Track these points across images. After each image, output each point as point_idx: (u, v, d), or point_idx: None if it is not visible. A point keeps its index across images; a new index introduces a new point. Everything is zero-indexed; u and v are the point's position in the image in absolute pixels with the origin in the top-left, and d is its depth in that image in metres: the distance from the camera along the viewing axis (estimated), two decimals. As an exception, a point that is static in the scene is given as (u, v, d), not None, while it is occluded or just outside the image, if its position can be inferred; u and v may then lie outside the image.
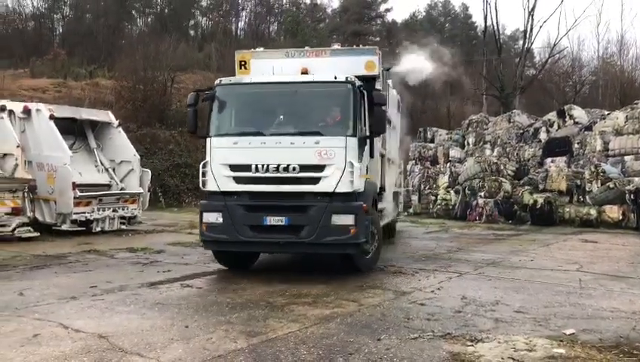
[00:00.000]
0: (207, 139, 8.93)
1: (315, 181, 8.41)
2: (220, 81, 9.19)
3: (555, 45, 40.34)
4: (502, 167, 21.05)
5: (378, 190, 10.34)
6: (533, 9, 37.09)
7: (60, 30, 45.74)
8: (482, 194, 20.30)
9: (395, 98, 13.66)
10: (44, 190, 14.00)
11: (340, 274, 9.18)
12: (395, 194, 14.24)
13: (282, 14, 55.53)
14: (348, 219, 8.34)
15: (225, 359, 5.10)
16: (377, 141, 10.02)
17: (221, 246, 9.05)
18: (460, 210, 20.71)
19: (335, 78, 8.69)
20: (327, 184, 8.37)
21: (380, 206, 10.49)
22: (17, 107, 14.81)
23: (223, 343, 5.53)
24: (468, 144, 24.31)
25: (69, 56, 37.85)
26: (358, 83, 8.75)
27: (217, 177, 8.69)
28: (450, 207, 21.23)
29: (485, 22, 38.99)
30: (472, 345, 5.54)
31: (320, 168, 8.40)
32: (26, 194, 13.24)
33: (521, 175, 20.82)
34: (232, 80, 9.29)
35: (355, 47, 10.86)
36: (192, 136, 11.50)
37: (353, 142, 8.48)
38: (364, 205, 8.53)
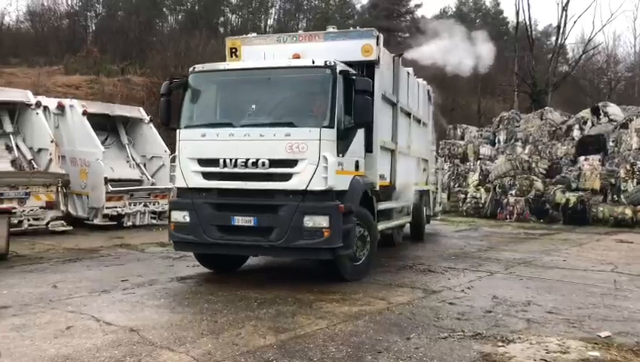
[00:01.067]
0: (177, 131, 8.33)
1: (286, 178, 7.58)
2: (194, 68, 8.51)
3: (589, 41, 39.65)
4: (533, 165, 20.70)
5: (378, 187, 9.21)
6: (567, 4, 36.46)
7: (93, 28, 46.52)
8: (513, 192, 20.00)
9: (423, 88, 12.93)
10: (77, 185, 14.27)
11: (368, 272, 9.13)
12: (423, 194, 13.26)
13: (311, 11, 55.53)
14: (321, 221, 7.44)
15: (254, 355, 5.10)
16: (384, 134, 9.42)
17: (189, 247, 8.48)
18: (490, 209, 20.43)
19: (313, 62, 7.86)
20: (298, 181, 7.52)
21: (385, 206, 9.75)
22: (52, 103, 15.16)
23: (252, 339, 5.54)
24: (499, 141, 24.01)
25: (102, 53, 38.46)
26: (341, 68, 7.85)
27: (185, 172, 8.06)
28: (480, 205, 20.96)
29: (517, 17, 38.43)
30: (504, 346, 5.44)
31: (291, 163, 7.55)
32: (59, 188, 13.51)
33: (553, 173, 20.43)
34: (205, 67, 8.52)
35: (352, 29, 9.97)
36: (166, 129, 10.36)
37: (330, 134, 7.55)
38: (342, 205, 7.58)
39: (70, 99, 16.60)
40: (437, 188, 16.09)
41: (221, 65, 8.63)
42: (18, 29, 43.60)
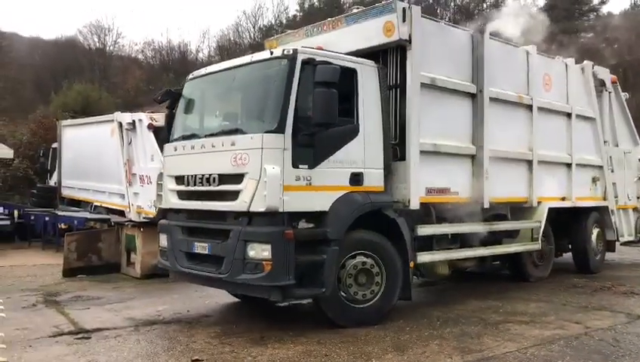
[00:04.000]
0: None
1: (235, 196, 6.30)
2: (188, 76, 7.75)
3: None
4: None
5: (417, 205, 7.20)
6: None
7: (272, 56, 50.16)
8: None
9: (577, 71, 10.42)
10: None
11: (559, 293, 8.50)
12: (593, 212, 10.49)
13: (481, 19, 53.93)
14: (262, 251, 6.04)
15: (440, 375, 5.00)
16: (437, 133, 7.51)
17: (171, 276, 7.63)
18: (703, 223, 17.81)
19: (271, 53, 6.66)
20: (241, 200, 6.23)
21: (443, 229, 7.81)
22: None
23: (438, 358, 5.43)
24: None
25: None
26: (305, 57, 6.32)
27: (165, 191, 7.36)
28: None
29: None
30: None
31: (238, 178, 6.27)
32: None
33: None
34: (194, 74, 7.65)
35: (375, 6, 7.67)
36: None
37: (275, 140, 6.08)
38: (289, 231, 6.04)
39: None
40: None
41: (202, 70, 7.64)
42: (209, 63, 48.54)
